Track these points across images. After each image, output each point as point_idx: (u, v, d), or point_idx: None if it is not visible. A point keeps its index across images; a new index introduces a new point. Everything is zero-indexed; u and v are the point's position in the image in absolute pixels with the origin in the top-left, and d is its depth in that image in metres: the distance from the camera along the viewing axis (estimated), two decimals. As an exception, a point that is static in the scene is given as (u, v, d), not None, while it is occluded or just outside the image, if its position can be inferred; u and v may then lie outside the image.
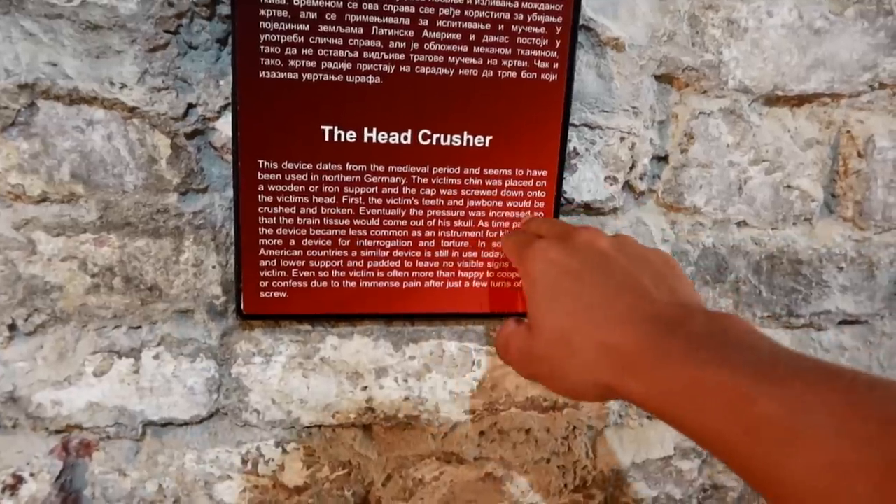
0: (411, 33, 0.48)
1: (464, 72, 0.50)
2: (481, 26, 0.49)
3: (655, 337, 0.31)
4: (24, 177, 0.48)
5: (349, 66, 0.48)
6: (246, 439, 0.57)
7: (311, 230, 0.51)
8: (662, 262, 0.37)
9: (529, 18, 0.49)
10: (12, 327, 0.51)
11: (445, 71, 0.49)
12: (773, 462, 0.24)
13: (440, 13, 0.48)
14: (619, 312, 0.33)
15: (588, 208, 0.57)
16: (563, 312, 0.35)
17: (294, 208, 0.50)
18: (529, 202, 0.53)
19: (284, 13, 0.46)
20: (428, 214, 0.52)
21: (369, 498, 0.61)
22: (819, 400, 0.24)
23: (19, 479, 0.54)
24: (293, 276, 0.51)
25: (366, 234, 0.51)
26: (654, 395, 0.30)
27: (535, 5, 0.49)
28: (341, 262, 0.52)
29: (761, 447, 0.25)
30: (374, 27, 0.47)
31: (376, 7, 0.47)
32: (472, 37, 0.49)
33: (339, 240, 0.51)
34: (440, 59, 0.49)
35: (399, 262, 0.53)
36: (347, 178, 0.50)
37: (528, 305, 0.37)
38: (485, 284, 0.55)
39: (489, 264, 0.54)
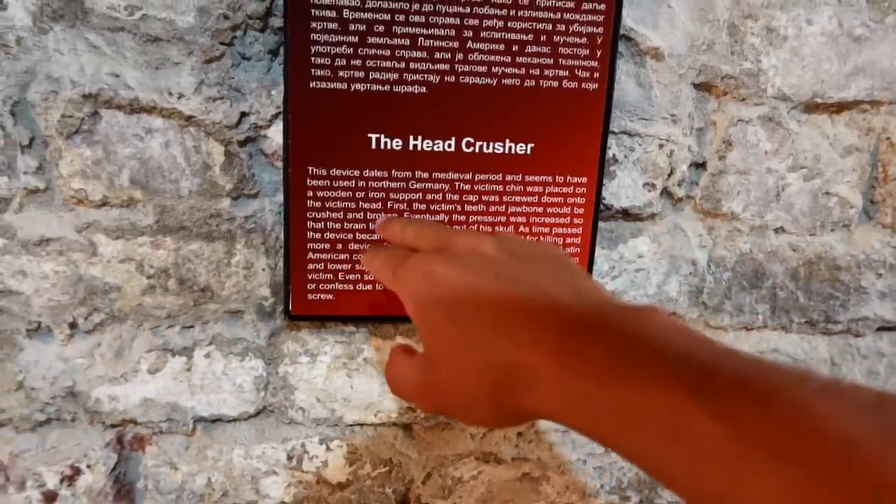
0: (456, 44, 0.49)
1: (506, 81, 0.51)
2: (524, 37, 0.50)
3: (569, 348, 0.27)
4: (86, 182, 0.50)
5: (396, 76, 0.50)
6: (291, 436, 0.59)
7: (357, 235, 0.52)
8: (556, 258, 0.34)
9: (571, 29, 0.50)
10: (73, 325, 0.53)
11: (489, 80, 0.51)
12: (722, 492, 0.21)
13: (484, 24, 0.49)
14: (522, 324, 0.29)
15: (626, 214, 0.58)
16: (457, 334, 0.31)
17: (341, 213, 0.52)
18: (569, 208, 0.54)
19: (335, 25, 0.48)
20: (470, 220, 0.53)
21: (409, 495, 0.62)
22: (768, 415, 0.21)
23: (77, 471, 0.56)
24: (339, 279, 0.53)
25: (410, 238, 0.53)
26: (580, 418, 0.26)
27: (577, 16, 0.50)
28: (386, 265, 0.53)
29: (707, 475, 0.22)
30: (420, 38, 0.49)
31: (423, 19, 0.49)
32: (515, 47, 0.50)
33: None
34: (483, 68, 0.50)
35: (441, 265, 0.54)
36: (393, 185, 0.52)
37: (418, 331, 0.34)
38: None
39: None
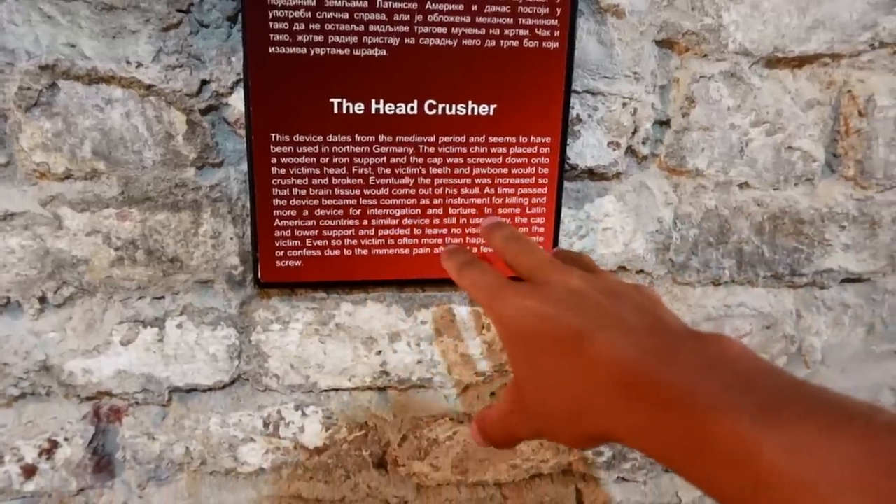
0: (415, 5, 0.49)
1: (467, 42, 0.51)
2: (483, -3, 0.50)
3: (639, 375, 0.28)
4: (48, 155, 0.50)
5: (355, 39, 0.49)
6: (267, 403, 0.60)
7: (323, 200, 0.52)
8: (642, 295, 0.36)
9: (530, -13, 0.50)
10: (42, 300, 0.53)
11: (449, 42, 0.51)
12: None
13: (443, -15, 0.49)
14: (601, 355, 0.30)
15: (592, 174, 0.59)
16: (541, 363, 0.33)
17: (306, 179, 0.52)
18: (534, 168, 0.55)
19: (291, -11, 0.47)
20: (435, 183, 0.54)
21: (386, 458, 0.63)
22: (834, 449, 0.21)
23: (54, 444, 0.57)
24: (307, 245, 0.53)
25: (376, 203, 0.53)
26: (653, 444, 0.28)
27: (536, -26, 0.50)
28: (353, 230, 0.54)
29: None
30: (378, 0, 0.49)
31: (380, -20, 0.48)
32: (475, 7, 0.50)
33: (351, 209, 0.53)
34: (443, 30, 0.50)
35: (409, 229, 0.54)
36: (356, 150, 0.52)
37: (508, 357, 0.36)
38: (492, 249, 0.56)
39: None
